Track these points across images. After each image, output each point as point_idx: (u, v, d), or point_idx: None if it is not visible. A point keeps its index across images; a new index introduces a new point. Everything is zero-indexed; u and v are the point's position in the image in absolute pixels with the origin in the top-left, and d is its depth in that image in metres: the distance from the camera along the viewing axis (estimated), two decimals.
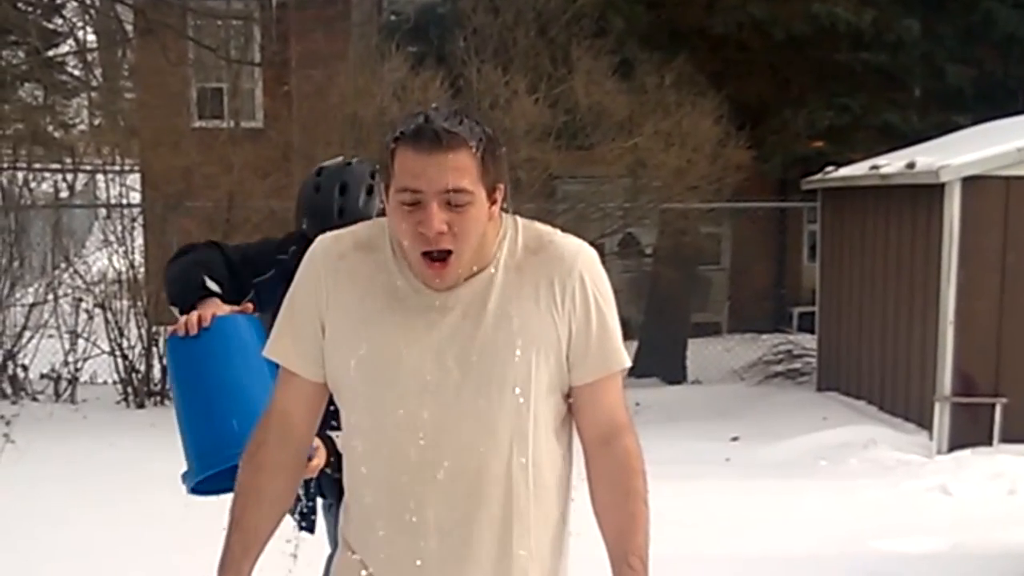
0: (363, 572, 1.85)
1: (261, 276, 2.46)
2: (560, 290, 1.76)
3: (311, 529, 2.69)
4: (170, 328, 2.27)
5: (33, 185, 10.27)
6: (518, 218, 1.84)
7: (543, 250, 1.79)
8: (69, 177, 11.92)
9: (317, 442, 2.30)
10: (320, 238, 1.88)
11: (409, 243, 1.71)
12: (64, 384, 8.80)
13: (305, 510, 2.59)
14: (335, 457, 2.33)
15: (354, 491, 1.86)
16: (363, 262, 1.79)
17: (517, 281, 1.76)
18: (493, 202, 1.73)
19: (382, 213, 1.85)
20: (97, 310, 9.10)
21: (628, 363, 1.84)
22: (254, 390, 2.09)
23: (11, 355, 8.88)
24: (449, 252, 1.69)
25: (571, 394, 1.82)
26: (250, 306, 2.34)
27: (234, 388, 2.18)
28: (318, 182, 2.40)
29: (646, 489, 1.79)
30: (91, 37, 11.57)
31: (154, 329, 8.85)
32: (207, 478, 2.15)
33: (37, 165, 10.66)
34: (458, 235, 1.68)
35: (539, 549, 1.83)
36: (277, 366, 1.88)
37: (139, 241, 9.72)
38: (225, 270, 2.46)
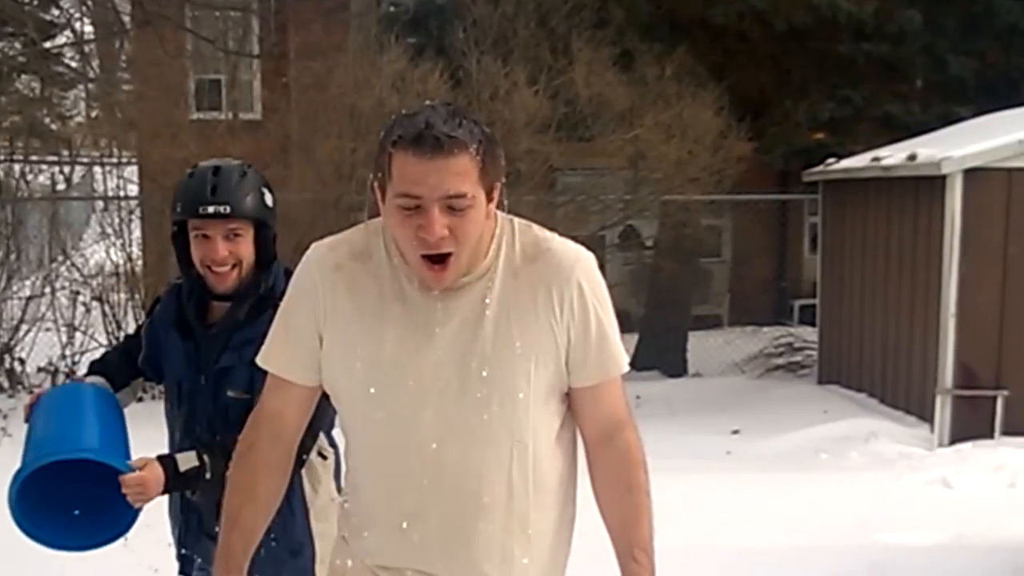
0: (364, 565, 1.85)
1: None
2: (559, 299, 1.75)
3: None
4: None
5: (30, 177, 10.24)
6: (515, 219, 1.82)
7: (540, 257, 1.77)
8: (66, 169, 11.88)
9: (147, 469, 2.26)
10: (315, 246, 1.86)
11: (408, 246, 1.69)
12: (61, 378, 8.77)
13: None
14: (181, 480, 2.31)
15: (355, 498, 1.86)
16: (360, 272, 1.78)
17: (515, 289, 1.75)
18: (490, 201, 1.72)
19: (375, 214, 1.83)
20: (94, 303, 9.07)
21: (626, 368, 1.84)
22: (53, 433, 2.36)
23: (8, 348, 8.86)
24: (449, 254, 1.68)
25: (571, 394, 1.82)
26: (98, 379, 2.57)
27: (36, 437, 2.39)
28: (192, 171, 2.46)
29: (648, 482, 1.80)
30: (88, 28, 11.51)
31: None
32: (32, 519, 2.29)
33: (34, 157, 10.63)
34: (459, 238, 1.67)
35: (540, 552, 1.83)
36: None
37: (137, 234, 9.68)
38: (116, 356, 2.68)
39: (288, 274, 2.45)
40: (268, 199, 2.43)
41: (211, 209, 2.33)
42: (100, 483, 2.24)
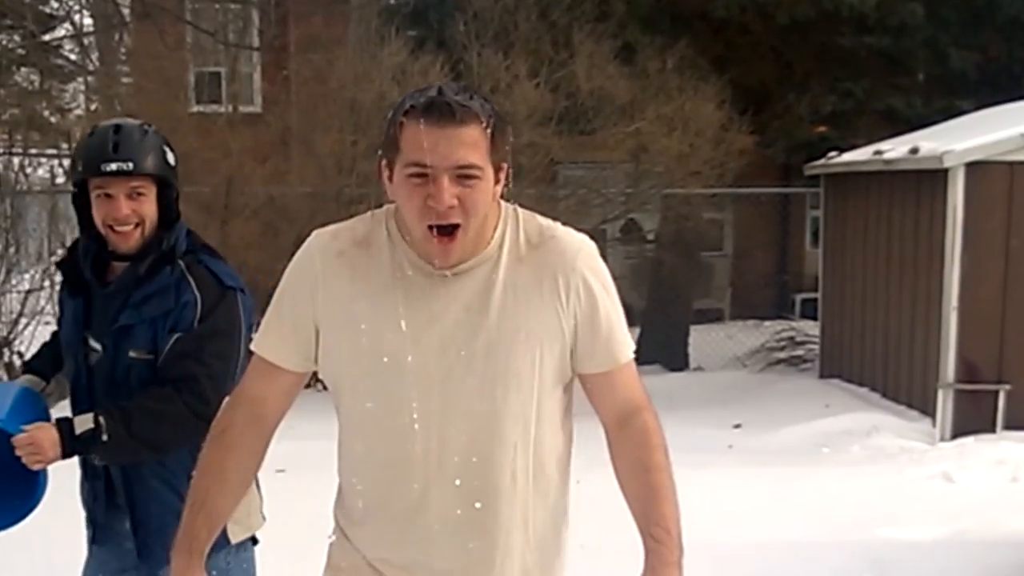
0: (363, 559, 1.84)
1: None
2: (564, 285, 1.75)
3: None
4: None
5: (29, 170, 10.19)
6: (519, 209, 1.82)
7: (544, 245, 1.78)
8: (66, 162, 11.85)
9: (40, 430, 2.23)
10: (316, 233, 1.85)
11: (416, 217, 1.68)
12: None
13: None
14: (78, 443, 2.25)
15: (355, 484, 1.84)
16: (362, 258, 1.77)
17: (519, 275, 1.75)
18: (497, 181, 1.72)
19: (378, 207, 1.80)
20: None
21: (632, 354, 1.84)
22: None
23: (7, 342, 8.83)
24: (456, 226, 1.67)
25: (584, 381, 1.82)
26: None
27: None
28: (92, 130, 2.44)
29: (668, 462, 1.78)
30: (88, 21, 11.48)
31: None
32: None
33: (33, 150, 10.58)
34: (467, 209, 1.67)
35: (540, 538, 1.83)
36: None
37: None
38: (50, 346, 2.65)
39: (190, 234, 2.43)
40: (170, 158, 2.41)
41: (114, 166, 2.29)
42: (7, 465, 2.24)
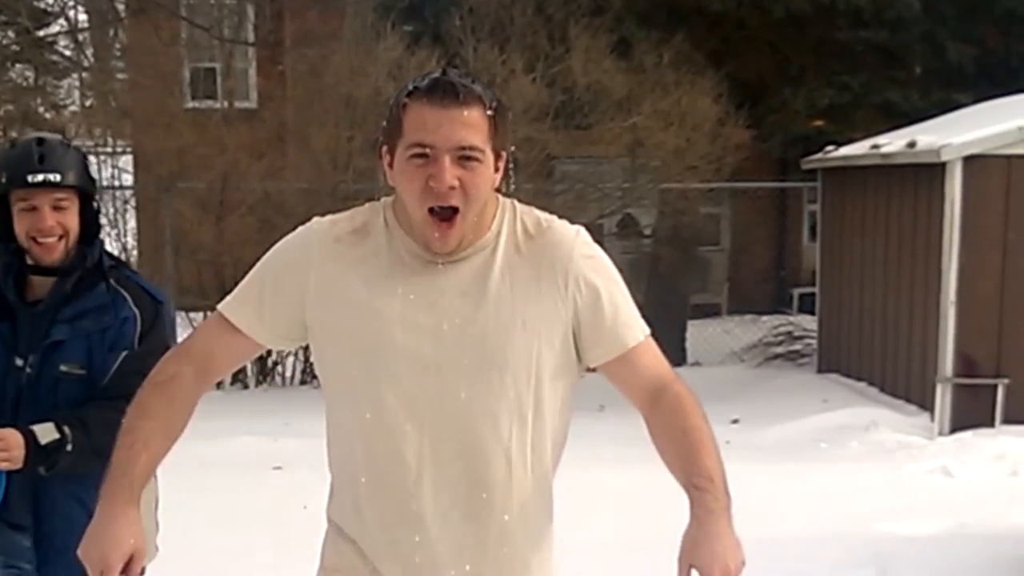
0: (358, 556, 1.81)
1: None
2: (563, 275, 1.75)
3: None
4: None
5: None
6: (516, 202, 1.82)
7: (541, 235, 1.78)
8: None
9: (9, 433, 2.21)
10: (316, 220, 1.84)
11: (417, 200, 1.68)
12: None
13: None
14: (44, 453, 2.22)
15: (347, 476, 1.82)
16: (359, 245, 1.77)
17: (517, 264, 1.75)
18: (496, 169, 1.72)
19: (379, 197, 1.80)
20: None
21: (644, 333, 1.82)
22: None
23: None
24: (456, 210, 1.67)
25: (606, 372, 1.81)
26: None
27: None
28: (13, 142, 2.48)
29: (707, 424, 1.76)
30: (82, 17, 11.46)
31: None
32: None
33: None
34: (467, 192, 1.67)
35: (537, 529, 1.82)
36: None
37: (132, 223, 9.63)
38: None
39: (110, 254, 2.43)
40: (92, 173, 2.43)
41: (40, 177, 2.30)
42: None
